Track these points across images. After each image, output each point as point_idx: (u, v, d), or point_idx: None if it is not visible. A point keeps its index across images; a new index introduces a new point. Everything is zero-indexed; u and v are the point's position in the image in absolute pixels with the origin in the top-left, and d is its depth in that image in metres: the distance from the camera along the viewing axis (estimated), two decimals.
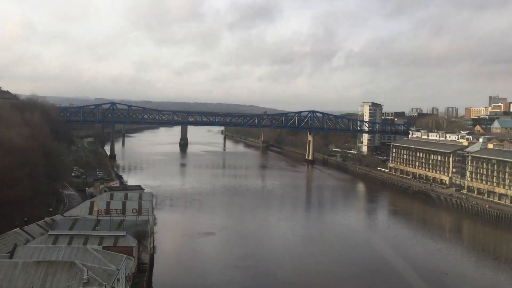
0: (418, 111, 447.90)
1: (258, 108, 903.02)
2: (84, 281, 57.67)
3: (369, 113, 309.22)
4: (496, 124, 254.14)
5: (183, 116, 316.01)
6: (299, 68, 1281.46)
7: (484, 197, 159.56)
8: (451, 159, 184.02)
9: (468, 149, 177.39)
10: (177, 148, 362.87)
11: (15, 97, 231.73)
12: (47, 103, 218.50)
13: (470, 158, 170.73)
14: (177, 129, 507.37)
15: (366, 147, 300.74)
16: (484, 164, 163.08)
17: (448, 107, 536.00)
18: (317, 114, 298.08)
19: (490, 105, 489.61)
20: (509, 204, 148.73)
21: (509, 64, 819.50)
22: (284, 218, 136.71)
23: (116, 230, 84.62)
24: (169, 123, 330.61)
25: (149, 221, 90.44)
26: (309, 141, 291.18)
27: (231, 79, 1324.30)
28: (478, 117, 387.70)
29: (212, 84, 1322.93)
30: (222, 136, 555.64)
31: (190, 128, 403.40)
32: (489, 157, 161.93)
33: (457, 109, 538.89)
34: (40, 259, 61.50)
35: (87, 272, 59.38)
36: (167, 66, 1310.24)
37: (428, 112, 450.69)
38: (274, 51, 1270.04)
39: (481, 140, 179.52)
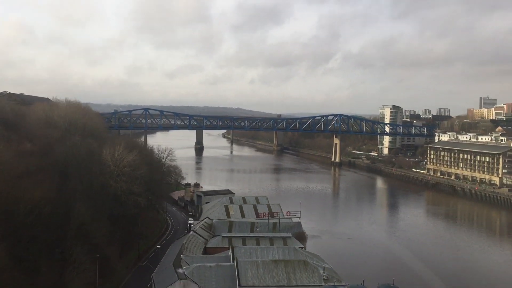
0: (411, 112, 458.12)
1: (245, 111, 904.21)
2: (324, 278, 60.99)
3: (390, 115, 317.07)
4: None
5: (199, 119, 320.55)
6: (294, 70, 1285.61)
7: None
8: (501, 160, 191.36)
9: None
10: (193, 153, 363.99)
11: (55, 103, 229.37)
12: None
13: None
14: (173, 133, 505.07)
15: (387, 149, 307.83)
16: None
17: (440, 108, 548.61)
18: (342, 117, 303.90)
19: (481, 107, 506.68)
20: None
21: (502, 65, 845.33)
22: (376, 221, 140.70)
23: (273, 232, 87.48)
24: (187, 127, 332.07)
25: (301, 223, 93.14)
26: (336, 144, 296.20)
27: (223, 82, 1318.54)
28: (481, 118, 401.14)
29: (202, 87, 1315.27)
30: (224, 140, 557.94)
31: (187, 132, 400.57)
32: None
33: (449, 110, 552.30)
34: (257, 259, 64.33)
35: (324, 270, 62.71)
36: (160, 69, 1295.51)
37: (419, 113, 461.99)
38: (273, 53, 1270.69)
39: None
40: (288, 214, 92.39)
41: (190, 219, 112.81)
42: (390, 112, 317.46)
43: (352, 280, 65.87)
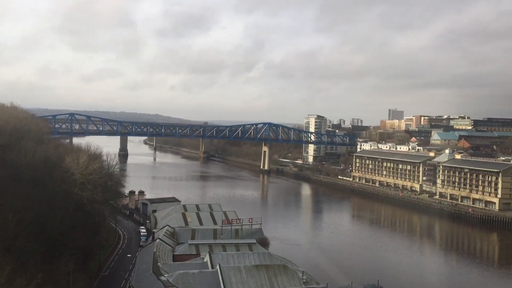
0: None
1: (163, 117, 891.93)
2: (304, 281, 64.18)
3: (315, 125, 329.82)
4: (435, 136, 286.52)
5: (128, 126, 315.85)
6: (217, 77, 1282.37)
7: (459, 202, 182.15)
8: (421, 168, 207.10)
9: (437, 159, 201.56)
10: (117, 160, 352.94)
11: None
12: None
13: (441, 167, 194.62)
14: (89, 139, 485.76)
15: (312, 157, 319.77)
16: (457, 172, 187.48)
17: (353, 119, 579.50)
18: (272, 125, 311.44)
19: (390, 118, 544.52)
20: (485, 207, 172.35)
21: (408, 80, 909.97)
22: (317, 227, 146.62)
23: (236, 238, 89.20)
24: (115, 133, 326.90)
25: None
26: (265, 151, 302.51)
27: (142, 87, 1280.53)
28: (393, 129, 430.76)
29: (120, 92, 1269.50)
30: (146, 146, 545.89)
31: (104, 138, 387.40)
32: (461, 166, 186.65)
33: (361, 121, 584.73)
34: (237, 265, 66.29)
35: (303, 273, 65.78)
36: (76, 72, 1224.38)
37: (335, 122, 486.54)
38: (197, 60, 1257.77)
39: (447, 151, 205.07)
40: (251, 221, 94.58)
41: (141, 227, 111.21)
42: (315, 121, 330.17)
43: (333, 283, 69.57)
